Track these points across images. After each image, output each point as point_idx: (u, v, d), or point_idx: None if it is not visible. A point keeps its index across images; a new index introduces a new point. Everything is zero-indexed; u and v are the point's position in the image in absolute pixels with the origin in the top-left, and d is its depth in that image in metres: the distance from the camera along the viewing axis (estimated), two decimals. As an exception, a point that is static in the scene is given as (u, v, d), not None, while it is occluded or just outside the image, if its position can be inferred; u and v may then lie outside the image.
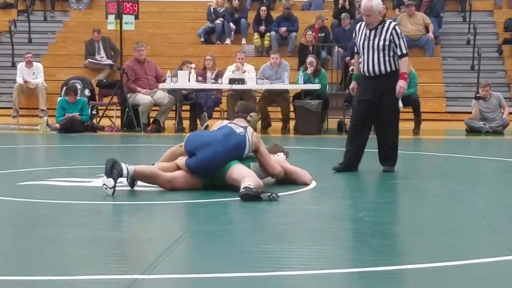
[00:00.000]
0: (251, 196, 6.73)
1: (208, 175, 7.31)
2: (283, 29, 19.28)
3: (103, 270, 4.36)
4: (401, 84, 8.53)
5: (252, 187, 6.82)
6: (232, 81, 14.12)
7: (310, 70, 14.32)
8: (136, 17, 15.08)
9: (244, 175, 7.09)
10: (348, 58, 17.22)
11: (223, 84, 14.30)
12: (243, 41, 19.76)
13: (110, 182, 6.95)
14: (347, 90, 14.99)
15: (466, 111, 15.88)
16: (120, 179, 7.07)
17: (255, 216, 6.33)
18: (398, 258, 4.78)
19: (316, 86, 14.27)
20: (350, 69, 15.57)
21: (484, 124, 14.56)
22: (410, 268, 4.50)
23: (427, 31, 19.19)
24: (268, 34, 19.44)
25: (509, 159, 10.44)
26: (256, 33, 19.52)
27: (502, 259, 4.69)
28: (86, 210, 6.45)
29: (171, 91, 14.62)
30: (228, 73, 14.60)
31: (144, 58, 15.04)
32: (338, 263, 4.61)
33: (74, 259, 4.74)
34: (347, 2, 19.62)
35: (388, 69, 8.56)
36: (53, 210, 6.38)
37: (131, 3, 14.85)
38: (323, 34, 18.75)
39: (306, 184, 7.57)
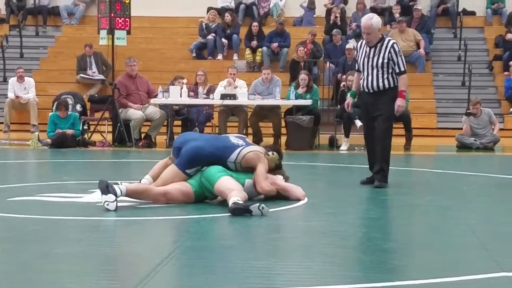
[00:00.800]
0: (241, 210, 6.74)
1: (193, 174, 7.38)
2: (275, 44, 19.33)
3: (94, 286, 4.36)
4: (399, 103, 8.70)
5: (241, 201, 6.83)
6: (223, 96, 14.14)
7: (301, 90, 14.34)
8: (128, 33, 15.09)
9: (231, 187, 7.12)
10: (340, 74, 17.29)
11: (215, 99, 14.32)
12: (235, 56, 19.81)
13: (111, 197, 6.96)
14: (339, 106, 15.09)
15: (457, 127, 15.94)
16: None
17: (246, 232, 6.33)
18: (389, 274, 4.79)
19: (308, 102, 14.30)
20: (341, 85, 15.62)
21: (475, 140, 14.60)
22: (401, 284, 4.50)
23: (418, 47, 19.28)
24: (260, 49, 19.49)
25: (499, 175, 10.47)
26: (247, 49, 19.57)
27: (493, 275, 4.70)
28: (77, 225, 6.44)
29: (162, 106, 14.63)
30: (220, 89, 14.62)
31: (136, 74, 15.05)
32: (329, 279, 4.61)
33: (65, 275, 4.73)
34: (338, 18, 19.70)
35: (387, 85, 8.72)
36: (44, 226, 6.36)
37: (123, 19, 14.87)
38: (315, 50, 18.79)
39: (298, 200, 7.58)
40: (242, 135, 8.25)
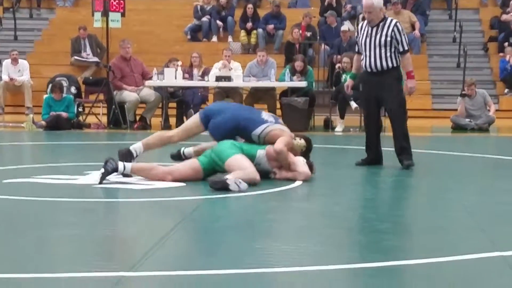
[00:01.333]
0: (218, 183, 6.89)
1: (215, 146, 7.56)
2: (271, 26, 19.28)
3: (89, 267, 4.35)
4: (410, 84, 8.80)
5: (226, 177, 6.94)
6: (218, 78, 14.11)
7: (297, 78, 14.29)
8: (123, 15, 15.04)
9: (242, 166, 7.20)
10: (335, 56, 17.25)
11: (210, 81, 14.30)
12: (230, 38, 19.76)
13: (100, 171, 7.25)
14: (334, 88, 15.08)
15: (452, 109, 15.94)
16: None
17: (242, 213, 6.33)
18: (385, 255, 4.79)
19: (303, 84, 14.28)
20: (336, 66, 15.59)
21: (470, 121, 14.61)
22: (397, 264, 4.51)
23: (413, 29, 19.25)
24: (254, 31, 19.45)
25: (494, 156, 10.48)
26: (242, 31, 19.52)
27: (489, 255, 4.70)
28: (72, 208, 6.43)
29: (157, 89, 14.60)
30: (215, 71, 14.59)
31: (130, 56, 15.02)
32: (325, 260, 4.62)
33: (60, 257, 4.72)
34: (333, 0, 19.64)
35: (390, 65, 8.69)
36: (39, 208, 6.35)
37: (117, 1, 14.81)
38: (310, 32, 18.76)
39: (297, 179, 7.56)
40: (275, 116, 8.27)
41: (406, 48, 8.71)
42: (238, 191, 6.87)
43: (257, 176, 7.29)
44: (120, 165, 7.34)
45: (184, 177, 7.42)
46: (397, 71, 8.76)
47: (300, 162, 7.64)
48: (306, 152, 7.92)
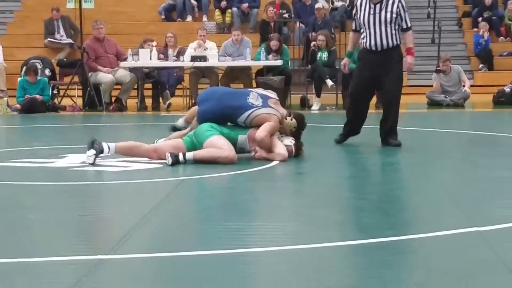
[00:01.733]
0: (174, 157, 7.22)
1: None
2: (245, 5, 19.22)
3: (67, 251, 4.35)
4: (409, 60, 8.70)
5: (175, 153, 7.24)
6: (194, 58, 14.07)
7: (272, 57, 14.28)
8: (96, -5, 14.93)
9: (219, 146, 7.35)
10: (310, 34, 17.23)
11: (185, 61, 14.25)
12: (204, 18, 19.68)
13: (91, 152, 7.33)
14: (309, 66, 15.07)
15: (427, 85, 16.00)
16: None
17: (219, 193, 6.34)
18: (362, 232, 4.82)
19: (278, 63, 14.27)
20: (312, 44, 15.58)
21: (445, 97, 14.68)
22: (374, 242, 4.54)
23: (388, 5, 19.23)
24: (229, 10, 19.38)
25: (469, 132, 10.55)
26: (217, 10, 19.45)
27: (464, 231, 4.75)
28: (49, 191, 6.41)
29: (132, 70, 14.54)
30: (190, 51, 14.54)
31: (103, 37, 14.92)
32: (302, 240, 4.64)
33: (38, 240, 4.71)
34: (308, -23, 19.58)
35: (394, 42, 8.56)
36: (16, 192, 6.32)
37: (90, -19, 14.69)
38: (284, 11, 18.72)
39: (273, 159, 7.57)
40: (271, 92, 8.22)
41: (409, 24, 8.63)
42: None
43: (230, 154, 7.30)
44: (105, 146, 7.39)
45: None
46: (399, 49, 8.64)
47: (279, 144, 7.65)
48: (296, 132, 7.89)
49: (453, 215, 5.29)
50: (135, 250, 4.42)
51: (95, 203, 6.08)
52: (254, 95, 7.84)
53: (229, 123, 7.75)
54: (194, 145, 7.50)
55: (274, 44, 14.42)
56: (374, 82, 8.66)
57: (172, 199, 6.02)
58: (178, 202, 5.94)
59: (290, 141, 7.77)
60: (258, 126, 7.58)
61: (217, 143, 7.36)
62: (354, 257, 4.30)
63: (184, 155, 7.33)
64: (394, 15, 8.50)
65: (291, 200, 5.97)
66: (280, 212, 5.51)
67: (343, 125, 8.96)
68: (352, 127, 8.87)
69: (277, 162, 7.53)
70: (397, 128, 8.70)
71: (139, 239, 4.67)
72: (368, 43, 8.61)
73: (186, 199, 6.08)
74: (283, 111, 7.87)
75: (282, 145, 7.66)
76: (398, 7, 8.53)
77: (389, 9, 8.51)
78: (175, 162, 7.27)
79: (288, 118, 7.82)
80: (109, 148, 7.43)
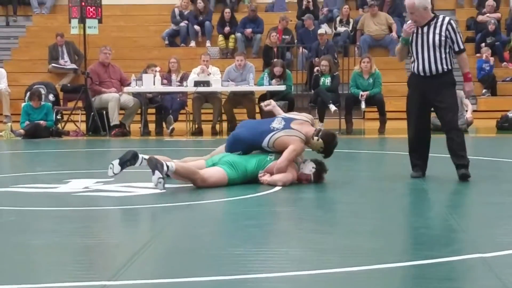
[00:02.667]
0: (153, 164, 7.21)
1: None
2: (249, 30, 19.29)
3: (70, 277, 4.33)
4: (467, 88, 8.19)
5: (169, 165, 7.23)
6: (197, 83, 14.11)
7: (275, 82, 14.33)
8: (100, 21, 15.01)
9: (206, 171, 7.50)
10: (313, 59, 17.28)
11: (188, 86, 14.29)
12: (208, 43, 19.75)
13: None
14: (312, 91, 15.10)
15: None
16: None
17: (223, 219, 6.33)
18: (366, 258, 4.80)
19: (282, 88, 14.31)
20: (315, 69, 15.62)
21: (448, 122, 14.65)
22: (378, 268, 4.52)
23: (391, 30, 19.32)
24: (232, 36, 19.46)
25: (473, 157, 10.52)
26: (220, 35, 19.52)
27: (470, 257, 4.73)
28: (52, 216, 6.40)
29: (136, 95, 14.57)
30: (193, 76, 14.58)
31: (109, 62, 14.98)
32: (306, 265, 4.62)
33: (41, 266, 4.70)
34: (311, 3, 19.69)
35: (445, 67, 7.98)
36: (19, 217, 6.31)
37: (94, 7, 14.77)
38: (287, 36, 18.79)
39: (275, 184, 7.57)
40: (301, 114, 8.21)
41: (462, 47, 7.96)
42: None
43: (204, 178, 7.47)
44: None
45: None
46: (451, 74, 8.02)
47: (289, 169, 7.66)
48: (325, 151, 7.90)
49: (458, 241, 5.27)
50: (138, 276, 4.40)
51: (97, 228, 6.07)
52: (279, 119, 7.94)
53: (257, 151, 7.83)
54: (232, 168, 7.58)
55: (277, 70, 14.47)
56: (428, 106, 8.19)
57: (176, 224, 6.01)
58: (182, 227, 5.93)
59: (310, 169, 7.75)
60: (282, 149, 7.65)
61: (212, 171, 7.46)
62: (358, 282, 4.28)
63: (167, 165, 7.30)
64: (443, 38, 7.89)
65: (294, 226, 5.95)
66: (284, 238, 5.49)
67: (410, 161, 8.36)
68: (420, 153, 8.29)
69: (279, 187, 7.52)
70: (397, 152, 8.64)
71: (142, 265, 4.66)
72: (416, 68, 8.03)
73: (190, 224, 6.07)
74: (308, 131, 7.82)
75: (292, 171, 7.66)
76: (447, 29, 7.91)
77: (437, 31, 7.91)
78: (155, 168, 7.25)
79: (315, 138, 7.80)
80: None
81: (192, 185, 7.49)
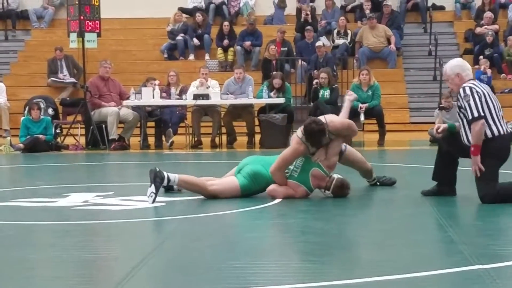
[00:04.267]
0: (155, 175, 7.30)
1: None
2: (248, 43, 19.32)
3: (70, 291, 4.33)
4: (473, 162, 7.14)
5: (173, 177, 7.36)
6: (196, 96, 14.12)
7: (274, 95, 14.35)
8: (99, 35, 15.04)
9: (216, 181, 7.60)
10: (313, 72, 17.30)
11: (188, 100, 14.30)
12: (207, 56, 19.78)
13: (152, 188, 7.31)
14: (311, 103, 15.11)
15: (430, 122, 16.00)
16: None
17: (223, 231, 6.32)
18: (366, 270, 4.80)
19: (281, 100, 14.32)
20: (314, 82, 15.64)
21: (448, 134, 14.65)
22: (378, 280, 4.51)
23: (389, 43, 19.36)
24: (231, 49, 19.49)
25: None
26: (219, 48, 19.56)
27: (469, 268, 4.72)
28: (51, 230, 6.40)
29: (135, 108, 14.58)
30: (192, 89, 14.60)
31: (108, 76, 15.00)
32: (306, 277, 4.62)
33: (40, 280, 4.69)
34: (309, 16, 19.72)
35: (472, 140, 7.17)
36: (18, 231, 6.31)
37: (93, 21, 14.80)
38: (286, 48, 18.82)
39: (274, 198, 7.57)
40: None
41: (472, 115, 7.03)
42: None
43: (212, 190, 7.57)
44: (165, 179, 7.41)
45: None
46: (489, 143, 7.10)
47: (288, 187, 7.66)
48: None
49: (457, 253, 5.26)
50: (138, 289, 4.40)
51: (96, 242, 6.06)
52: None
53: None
54: (248, 179, 7.59)
55: (276, 82, 14.48)
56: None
57: (175, 237, 6.00)
58: (181, 240, 5.92)
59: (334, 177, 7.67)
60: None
61: (221, 181, 7.50)
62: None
63: (168, 179, 7.40)
64: (457, 109, 7.28)
65: (294, 238, 5.94)
66: (283, 250, 5.48)
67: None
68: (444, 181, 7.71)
69: (278, 200, 7.52)
70: (396, 164, 8.63)
71: (142, 278, 4.65)
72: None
73: (189, 237, 6.06)
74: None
75: (294, 187, 7.65)
76: (458, 99, 7.22)
77: (459, 103, 7.23)
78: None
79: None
80: (168, 180, 7.42)
81: (193, 197, 7.47)
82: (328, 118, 7.83)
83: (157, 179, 7.31)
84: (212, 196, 7.56)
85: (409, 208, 7.43)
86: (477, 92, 7.12)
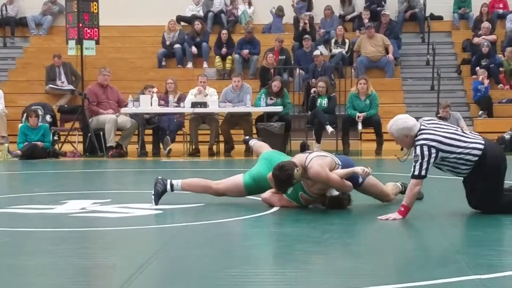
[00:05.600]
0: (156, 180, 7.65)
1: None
2: (246, 51, 19.35)
3: (67, 298, 4.32)
4: (393, 216, 6.96)
5: (175, 183, 7.62)
6: (194, 104, 14.13)
7: (270, 101, 14.38)
8: (97, 42, 15.06)
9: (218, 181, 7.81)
10: (311, 80, 17.32)
11: (185, 107, 14.31)
12: (205, 64, 19.80)
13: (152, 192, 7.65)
14: (309, 112, 15.13)
15: (427, 131, 16.00)
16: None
17: (220, 240, 6.32)
18: (362, 279, 4.80)
19: (279, 109, 14.34)
20: (312, 91, 15.65)
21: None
22: (375, 289, 4.52)
23: (387, 52, 19.39)
24: (229, 57, 19.52)
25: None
26: (217, 56, 19.58)
27: (465, 278, 4.73)
28: (49, 237, 6.39)
29: (133, 116, 14.59)
30: (190, 97, 14.61)
31: (107, 84, 15.01)
32: (302, 286, 4.62)
33: (38, 287, 4.69)
34: (307, 25, 19.75)
35: (462, 173, 7.20)
36: (15, 238, 6.31)
37: (91, 29, 14.82)
38: (284, 57, 18.85)
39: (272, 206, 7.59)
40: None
41: (422, 173, 6.96)
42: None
43: (217, 189, 7.81)
44: (168, 184, 7.68)
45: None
46: (474, 173, 7.04)
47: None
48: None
49: (454, 262, 5.27)
50: (135, 297, 4.39)
51: (94, 249, 6.06)
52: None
53: None
54: (252, 179, 7.69)
55: (276, 85, 14.49)
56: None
57: (172, 245, 6.00)
58: (178, 248, 5.92)
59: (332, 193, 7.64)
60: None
61: (225, 180, 7.78)
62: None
63: (171, 184, 7.65)
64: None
65: (291, 247, 5.94)
66: (280, 259, 5.48)
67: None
68: None
69: (276, 208, 7.53)
70: (393, 174, 8.62)
71: (139, 286, 4.65)
72: None
73: (186, 245, 6.06)
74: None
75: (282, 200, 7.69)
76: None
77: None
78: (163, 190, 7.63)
79: (296, 169, 7.44)
80: (171, 186, 7.67)
81: (190, 206, 7.48)
82: (311, 162, 7.30)
83: (158, 184, 7.63)
84: (218, 194, 7.77)
85: (406, 217, 7.43)
86: (429, 148, 6.89)
